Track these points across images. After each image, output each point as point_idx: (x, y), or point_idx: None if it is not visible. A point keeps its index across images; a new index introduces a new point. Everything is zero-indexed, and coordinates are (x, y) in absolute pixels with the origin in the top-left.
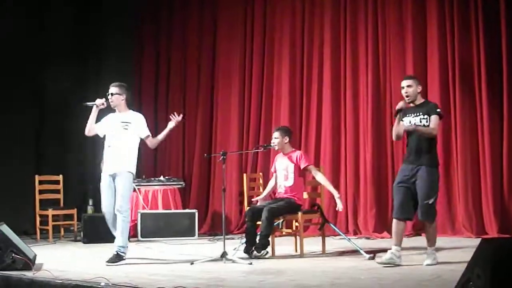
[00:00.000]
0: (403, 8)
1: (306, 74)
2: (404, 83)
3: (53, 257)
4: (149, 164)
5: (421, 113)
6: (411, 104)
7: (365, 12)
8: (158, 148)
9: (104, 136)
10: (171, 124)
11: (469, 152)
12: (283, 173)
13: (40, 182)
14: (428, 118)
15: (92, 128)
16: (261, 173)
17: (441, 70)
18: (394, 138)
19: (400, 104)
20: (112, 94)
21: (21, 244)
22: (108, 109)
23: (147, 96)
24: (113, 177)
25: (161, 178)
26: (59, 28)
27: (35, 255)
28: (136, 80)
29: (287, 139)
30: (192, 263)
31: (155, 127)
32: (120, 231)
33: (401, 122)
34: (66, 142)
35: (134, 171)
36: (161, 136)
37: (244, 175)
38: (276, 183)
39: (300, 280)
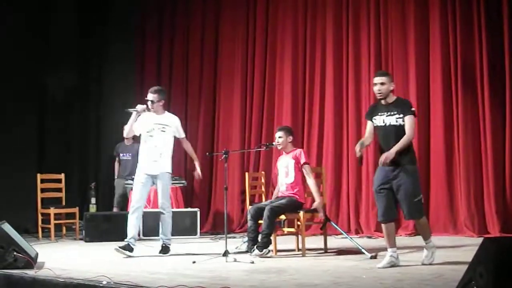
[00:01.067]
0: (406, 7)
1: (309, 74)
2: (377, 79)
3: (55, 256)
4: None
5: (395, 112)
6: (382, 101)
7: (368, 12)
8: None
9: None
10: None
11: (471, 152)
12: (284, 170)
13: (42, 181)
14: (403, 117)
15: (131, 131)
16: (263, 172)
17: (443, 70)
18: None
19: (358, 151)
20: (153, 102)
21: (23, 243)
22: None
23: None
24: (153, 177)
25: None
26: (61, 28)
27: (37, 254)
28: (138, 79)
29: (290, 138)
30: (194, 262)
31: None
32: (166, 227)
33: (369, 123)
34: (68, 141)
35: (171, 170)
36: (194, 157)
37: (246, 174)
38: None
39: (302, 279)
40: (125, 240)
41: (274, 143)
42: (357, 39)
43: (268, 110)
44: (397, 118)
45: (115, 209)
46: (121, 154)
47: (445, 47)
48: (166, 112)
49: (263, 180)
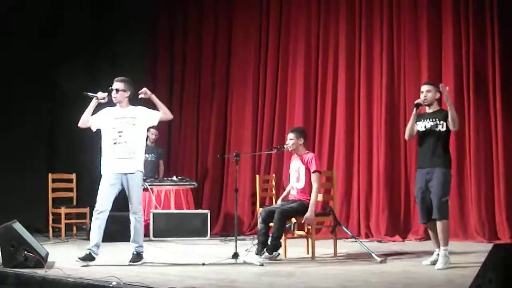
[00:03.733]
0: (419, 12)
1: (321, 77)
2: (424, 88)
3: (65, 256)
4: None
5: (437, 119)
6: (427, 108)
7: (381, 17)
8: (171, 148)
9: (97, 130)
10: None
11: (483, 158)
12: (295, 174)
13: (53, 181)
14: (444, 124)
15: (87, 120)
16: (274, 175)
17: (455, 76)
18: (406, 136)
19: (419, 100)
20: (117, 90)
21: (34, 242)
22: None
23: (161, 97)
24: (122, 176)
25: (174, 178)
26: (72, 26)
27: (47, 253)
28: (150, 80)
29: (302, 141)
30: (203, 264)
31: (168, 128)
32: (137, 232)
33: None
34: (79, 140)
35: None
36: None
37: (257, 176)
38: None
39: (311, 283)
40: (87, 248)
41: (285, 146)
42: (370, 44)
43: (280, 113)
44: (438, 124)
45: None
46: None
47: (457, 53)
48: (130, 105)
49: (273, 183)
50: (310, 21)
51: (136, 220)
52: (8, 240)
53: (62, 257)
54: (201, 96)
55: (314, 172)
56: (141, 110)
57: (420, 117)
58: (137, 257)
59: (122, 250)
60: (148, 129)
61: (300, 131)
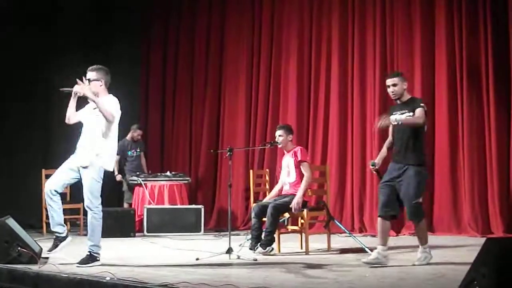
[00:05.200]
0: (412, 6)
1: (314, 71)
2: (389, 81)
3: (59, 251)
4: (155, 159)
5: (406, 111)
6: (397, 101)
7: (373, 11)
8: (164, 143)
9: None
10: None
11: (476, 152)
12: (286, 169)
13: (47, 176)
14: (413, 114)
15: (72, 115)
16: (267, 170)
17: (449, 70)
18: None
19: (382, 124)
20: (89, 80)
21: (27, 238)
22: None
23: (154, 91)
24: (80, 169)
25: (168, 173)
26: (67, 24)
27: (41, 249)
28: (143, 75)
29: (290, 137)
30: (197, 259)
31: (161, 123)
32: (93, 230)
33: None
34: (73, 136)
35: (106, 165)
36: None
37: (251, 171)
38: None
39: (305, 277)
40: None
41: (278, 141)
42: (363, 39)
43: (273, 108)
44: (408, 116)
45: (125, 205)
46: (130, 151)
47: (450, 46)
48: (110, 95)
49: (267, 178)
50: (303, 16)
51: (92, 216)
52: (1, 236)
53: (56, 253)
54: (194, 91)
55: (300, 161)
56: (107, 101)
57: (391, 109)
58: (88, 258)
59: (116, 246)
60: (135, 130)
61: (288, 127)
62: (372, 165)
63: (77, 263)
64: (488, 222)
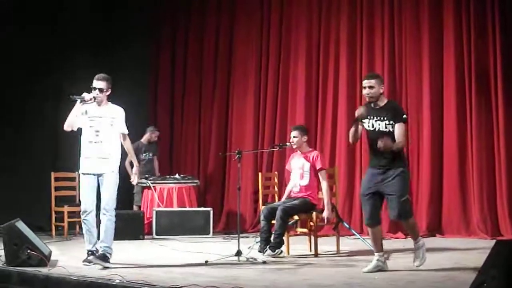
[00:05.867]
0: (420, 9)
1: (322, 74)
2: (366, 83)
3: (68, 254)
4: (164, 162)
5: (385, 118)
6: (372, 104)
7: (382, 12)
8: (173, 146)
9: (78, 129)
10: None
11: (485, 154)
12: (298, 171)
13: (56, 179)
14: (393, 123)
15: (73, 123)
16: (276, 172)
17: (457, 72)
18: (351, 141)
19: (361, 110)
20: (101, 91)
21: (37, 241)
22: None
23: (163, 95)
24: (99, 176)
25: (176, 176)
26: (74, 29)
27: (50, 252)
28: (152, 78)
29: (305, 138)
30: (206, 262)
31: (170, 126)
32: (108, 232)
33: (360, 126)
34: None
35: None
36: (133, 158)
37: (259, 174)
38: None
39: (314, 280)
40: (87, 249)
41: (287, 143)
42: (371, 40)
43: (282, 110)
44: (387, 124)
45: (135, 208)
46: (143, 154)
47: (459, 48)
48: (109, 103)
49: (276, 180)
50: (311, 18)
51: (107, 219)
52: (11, 239)
53: (65, 256)
54: (202, 95)
55: (320, 169)
56: (119, 113)
57: (367, 113)
58: (104, 257)
59: (125, 248)
60: (152, 131)
61: (303, 128)
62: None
63: (93, 257)
64: (497, 224)
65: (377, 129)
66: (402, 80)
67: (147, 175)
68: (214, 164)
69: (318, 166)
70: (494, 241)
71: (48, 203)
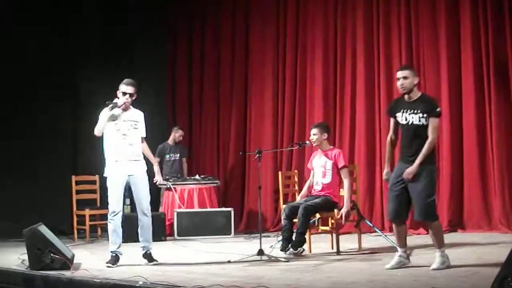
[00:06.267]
0: (437, 3)
1: (340, 71)
2: (400, 74)
3: (91, 257)
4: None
5: (419, 111)
6: (406, 97)
7: (398, 8)
8: (193, 147)
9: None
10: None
11: (505, 147)
12: (321, 170)
13: (77, 183)
14: (427, 117)
15: (104, 128)
16: (296, 171)
17: (475, 65)
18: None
19: (386, 176)
20: (131, 95)
21: (59, 244)
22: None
23: (181, 96)
24: (130, 178)
25: (197, 177)
26: (91, 31)
27: (73, 255)
28: (170, 79)
29: (325, 136)
30: (229, 261)
31: (189, 127)
32: (149, 232)
33: (392, 120)
34: (101, 142)
35: None
36: (151, 158)
37: (279, 173)
38: (312, 180)
39: (337, 277)
40: (111, 251)
41: (307, 142)
42: (388, 37)
43: (300, 109)
44: (420, 117)
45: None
46: (169, 155)
47: (476, 43)
48: (131, 107)
49: (296, 179)
50: (327, 15)
51: (150, 220)
52: (34, 243)
53: (88, 258)
54: (220, 94)
55: (343, 167)
56: (142, 116)
57: (399, 107)
58: (152, 256)
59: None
60: (176, 131)
61: (323, 126)
62: (386, 180)
63: (148, 261)
64: None
65: (410, 123)
66: (421, 75)
67: (174, 176)
68: (233, 164)
69: (341, 164)
70: None
71: (69, 206)
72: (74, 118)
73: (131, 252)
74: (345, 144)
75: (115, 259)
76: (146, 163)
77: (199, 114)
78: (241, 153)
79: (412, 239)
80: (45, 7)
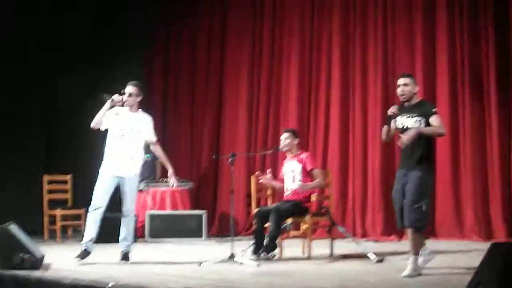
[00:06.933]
0: (413, 10)
1: (315, 77)
2: (401, 81)
3: (61, 257)
4: (157, 165)
5: (416, 115)
6: (406, 104)
7: (375, 14)
8: (166, 149)
9: (105, 130)
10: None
11: (478, 156)
12: (290, 175)
13: (49, 182)
14: (423, 120)
15: (100, 121)
16: (269, 175)
17: (450, 74)
18: (383, 139)
19: (392, 109)
20: (130, 95)
21: (30, 244)
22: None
23: (156, 98)
24: (120, 179)
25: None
26: (72, 29)
27: (44, 255)
28: (145, 82)
29: (296, 141)
30: (200, 264)
31: (163, 130)
32: (131, 232)
33: (392, 125)
34: (75, 141)
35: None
36: (165, 163)
37: (252, 177)
38: (283, 185)
39: (308, 282)
40: (82, 243)
41: (280, 146)
42: (364, 43)
43: (274, 114)
44: (416, 120)
45: None
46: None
47: (452, 52)
48: (140, 110)
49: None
50: (304, 20)
51: (134, 220)
52: (4, 242)
53: (59, 259)
54: (195, 97)
55: (312, 169)
56: (147, 121)
57: (399, 114)
58: (128, 255)
59: (118, 251)
60: None
61: (293, 131)
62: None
63: (121, 259)
64: (490, 227)
65: (405, 127)
66: (395, 82)
67: (146, 177)
68: (207, 167)
69: (309, 167)
70: (487, 243)
71: (40, 206)
72: (47, 117)
73: (104, 253)
74: (319, 150)
75: (83, 254)
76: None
77: (173, 116)
78: (214, 156)
79: (384, 246)
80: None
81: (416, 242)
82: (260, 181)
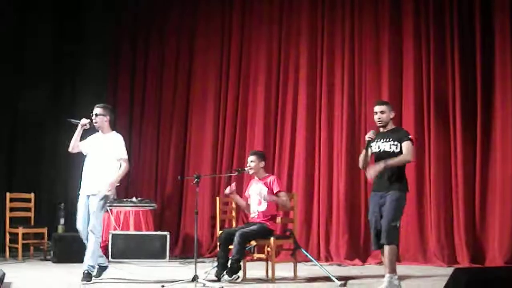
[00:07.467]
0: (380, 35)
1: (281, 99)
2: (377, 108)
3: (22, 276)
4: (121, 185)
5: (391, 139)
6: (381, 129)
7: (342, 38)
8: (130, 169)
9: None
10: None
11: (442, 182)
12: (257, 197)
13: (11, 200)
14: (398, 144)
15: (76, 145)
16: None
17: (416, 99)
18: (360, 166)
19: (370, 134)
20: (96, 115)
21: None
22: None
23: (121, 118)
24: (88, 197)
25: (133, 199)
26: (34, 46)
27: (4, 274)
28: (111, 99)
29: (262, 164)
30: (162, 286)
31: (128, 149)
32: (92, 252)
33: (369, 150)
34: (38, 160)
35: (109, 193)
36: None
37: (217, 198)
38: (248, 206)
39: None
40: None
41: (246, 168)
42: (331, 67)
43: (240, 135)
44: (392, 144)
45: None
46: None
47: (418, 76)
48: (113, 132)
49: (233, 205)
50: (271, 44)
51: (95, 240)
52: None
53: (19, 278)
54: (161, 118)
55: (278, 192)
56: (116, 140)
57: (376, 139)
58: (88, 275)
59: (80, 271)
60: None
61: (260, 154)
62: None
63: (82, 280)
64: (454, 252)
65: (382, 150)
66: (362, 105)
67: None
68: (171, 188)
69: (276, 189)
70: (450, 268)
71: (2, 224)
72: (11, 135)
73: (67, 273)
74: (284, 172)
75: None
76: None
77: (138, 136)
78: (179, 178)
79: (347, 270)
80: None
81: (393, 259)
82: (225, 192)
